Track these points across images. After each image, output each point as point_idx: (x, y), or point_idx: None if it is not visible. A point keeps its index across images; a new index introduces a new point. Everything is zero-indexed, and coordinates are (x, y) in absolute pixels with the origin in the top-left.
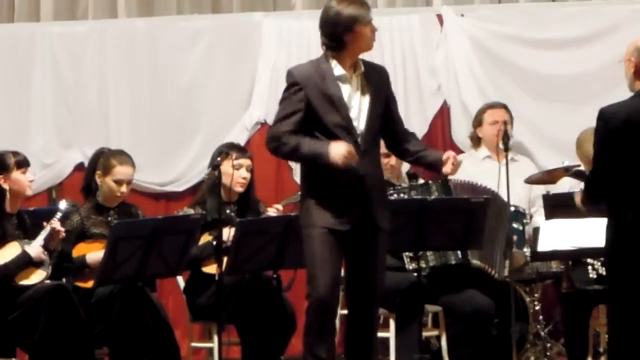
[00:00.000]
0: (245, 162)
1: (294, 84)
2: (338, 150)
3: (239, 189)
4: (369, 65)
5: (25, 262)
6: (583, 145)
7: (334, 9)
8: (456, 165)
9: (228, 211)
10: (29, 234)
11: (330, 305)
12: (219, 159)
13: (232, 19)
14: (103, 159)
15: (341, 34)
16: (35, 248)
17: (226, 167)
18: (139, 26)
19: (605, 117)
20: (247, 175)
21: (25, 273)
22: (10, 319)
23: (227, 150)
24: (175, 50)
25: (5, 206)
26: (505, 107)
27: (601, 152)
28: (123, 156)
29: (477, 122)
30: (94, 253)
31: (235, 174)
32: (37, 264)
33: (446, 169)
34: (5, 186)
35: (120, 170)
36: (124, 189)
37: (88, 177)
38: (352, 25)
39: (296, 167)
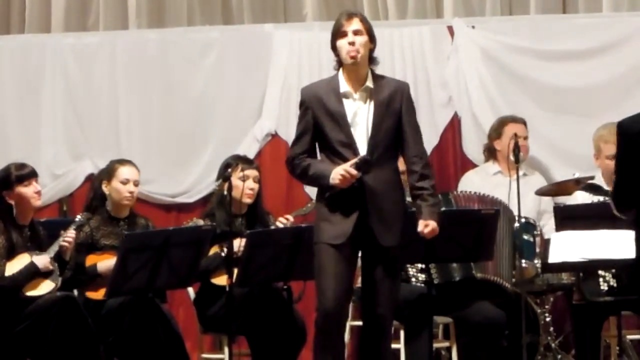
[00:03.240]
0: (252, 172)
1: (301, 104)
2: (336, 171)
3: (247, 200)
4: (383, 81)
5: (32, 273)
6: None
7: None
8: (428, 235)
9: (237, 224)
10: (43, 245)
11: (336, 319)
12: (229, 170)
13: (243, 30)
14: (105, 168)
15: (333, 49)
16: (42, 258)
17: (234, 179)
18: (150, 37)
19: (622, 129)
20: (255, 186)
21: (33, 284)
22: (19, 330)
23: (234, 162)
24: (186, 62)
25: (15, 219)
26: (525, 123)
27: (621, 162)
28: (123, 160)
29: (497, 134)
30: (105, 261)
31: (240, 187)
32: (44, 274)
33: (420, 227)
34: (11, 201)
35: (124, 171)
36: (131, 187)
37: (95, 191)
38: (334, 39)
39: None
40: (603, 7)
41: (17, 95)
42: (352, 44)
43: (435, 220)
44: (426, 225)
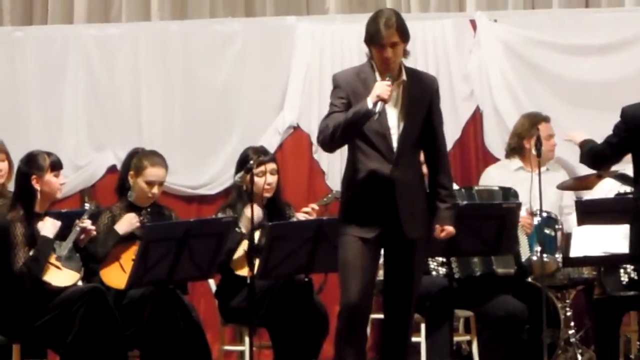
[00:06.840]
0: (269, 166)
1: (336, 87)
2: (373, 92)
3: (268, 195)
4: (415, 75)
5: (49, 247)
6: None
7: (369, 19)
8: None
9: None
10: (56, 235)
11: (360, 312)
12: (251, 162)
13: (265, 22)
14: (136, 160)
15: (366, 44)
16: (64, 247)
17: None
18: (172, 29)
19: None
20: (273, 179)
21: (59, 274)
22: (45, 321)
23: (252, 155)
24: (208, 54)
25: (35, 207)
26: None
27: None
28: (155, 157)
29: (530, 133)
30: (123, 223)
31: (260, 182)
32: (68, 263)
33: (436, 233)
34: (37, 187)
35: (152, 172)
36: (155, 190)
37: (122, 176)
38: (368, 42)
39: (328, 172)
40: (625, 1)
41: (39, 86)
42: (387, 59)
43: (452, 224)
44: (442, 231)
